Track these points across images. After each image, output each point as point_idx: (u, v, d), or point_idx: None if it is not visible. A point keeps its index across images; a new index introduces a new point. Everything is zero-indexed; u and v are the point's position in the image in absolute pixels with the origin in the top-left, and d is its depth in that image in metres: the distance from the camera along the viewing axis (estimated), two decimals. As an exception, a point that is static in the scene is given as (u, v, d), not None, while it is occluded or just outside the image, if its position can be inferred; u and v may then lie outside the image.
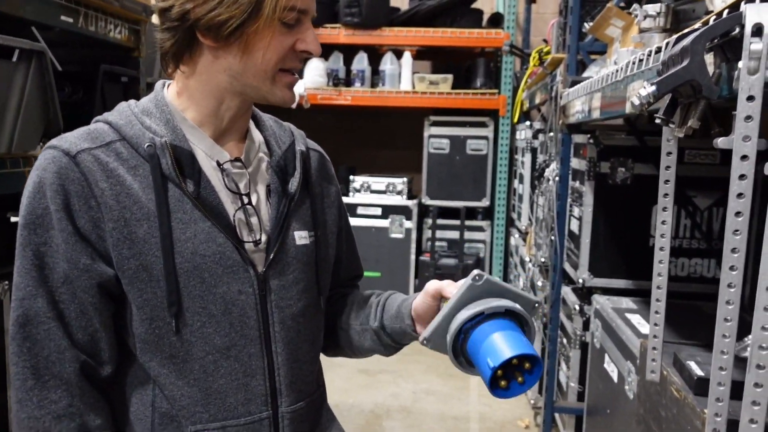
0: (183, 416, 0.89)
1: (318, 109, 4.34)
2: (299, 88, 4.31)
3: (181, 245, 0.87)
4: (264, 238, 0.94)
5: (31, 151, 1.91)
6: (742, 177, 0.72)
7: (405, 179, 4.51)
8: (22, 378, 0.84)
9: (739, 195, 0.73)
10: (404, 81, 4.44)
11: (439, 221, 4.45)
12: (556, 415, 2.68)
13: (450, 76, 4.34)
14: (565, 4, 2.55)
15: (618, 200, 2.38)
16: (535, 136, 3.48)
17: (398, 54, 4.52)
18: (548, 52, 2.95)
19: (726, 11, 0.83)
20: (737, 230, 0.85)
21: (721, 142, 0.74)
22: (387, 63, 4.47)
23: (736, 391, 1.30)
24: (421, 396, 3.27)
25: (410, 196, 4.56)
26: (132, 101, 0.96)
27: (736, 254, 0.86)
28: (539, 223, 2.99)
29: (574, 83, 2.21)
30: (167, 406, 0.89)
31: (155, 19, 3.34)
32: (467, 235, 4.41)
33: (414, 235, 4.40)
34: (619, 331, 1.96)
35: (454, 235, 4.43)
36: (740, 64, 0.71)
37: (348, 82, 4.51)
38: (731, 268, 0.89)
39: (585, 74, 2.34)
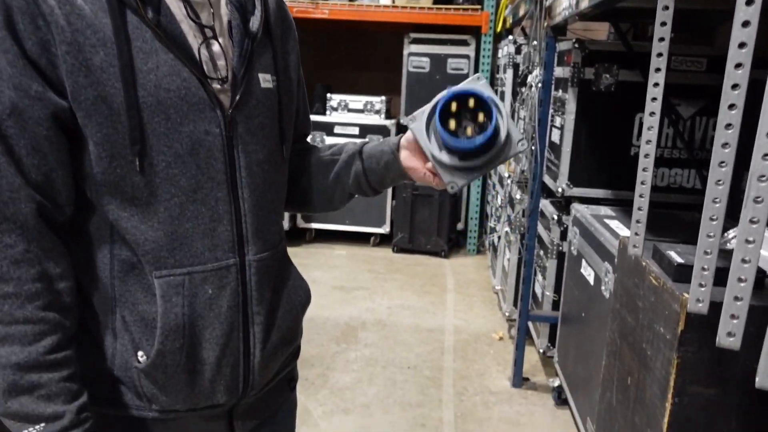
0: (147, 262, 0.83)
1: (294, 23, 4.17)
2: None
3: (143, 77, 0.79)
4: (230, 76, 0.87)
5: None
6: (745, 24, 0.66)
7: (383, 98, 4.41)
8: None
9: (741, 44, 0.67)
10: (384, -5, 4.28)
11: (418, 142, 4.37)
12: (530, 325, 2.70)
13: (431, -9, 4.19)
14: None
15: (601, 108, 2.33)
16: (517, 51, 3.39)
17: (378, -33, 4.34)
18: (535, -42, 2.83)
19: None
20: (730, 124, 0.78)
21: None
22: (366, -24, 4.30)
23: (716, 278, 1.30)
24: (396, 311, 3.28)
25: (388, 116, 4.47)
26: None
27: (727, 149, 0.81)
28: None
29: (561, -20, 2.12)
30: (128, 252, 0.83)
31: None
32: (446, 156, 4.35)
33: (392, 156, 4.32)
34: (597, 234, 1.94)
35: (433, 156, 4.37)
36: None
37: (325, -5, 4.34)
38: (720, 164, 0.83)
39: (573, -26, 2.24)
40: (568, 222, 2.32)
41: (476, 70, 4.30)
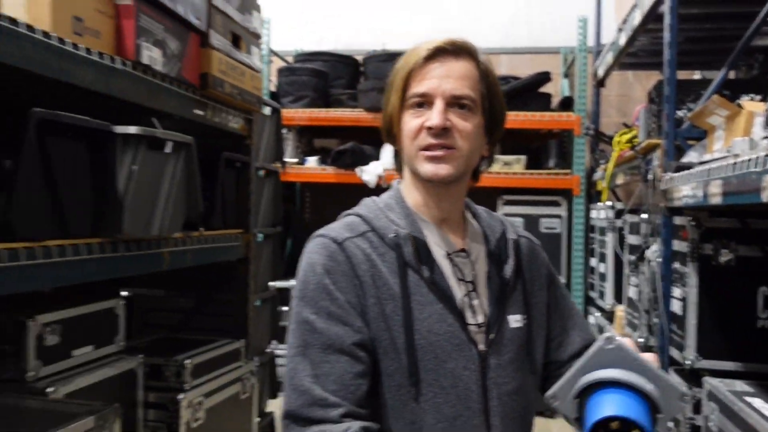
0: None
1: (394, 189, 4.47)
2: (378, 169, 4.48)
3: (419, 324, 0.98)
4: (484, 320, 1.03)
5: (174, 234, 2.05)
6: None
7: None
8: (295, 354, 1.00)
9: None
10: (477, 162, 4.57)
11: (514, 299, 4.46)
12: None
13: (523, 157, 4.46)
14: (657, 93, 2.66)
15: (723, 281, 2.40)
16: (617, 216, 3.54)
17: (470, 136, 4.67)
18: (635, 136, 3.05)
19: None
20: None
21: None
22: (460, 145, 4.62)
23: None
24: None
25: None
26: (374, 197, 1.10)
27: None
28: (633, 304, 3.00)
29: (679, 168, 2.28)
30: None
31: (266, 110, 3.53)
32: (543, 313, 4.41)
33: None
34: (743, 414, 1.95)
35: (530, 313, 4.44)
36: None
37: (423, 163, 4.65)
38: None
39: (684, 159, 2.42)
40: (701, 395, 2.33)
41: (569, 231, 4.46)
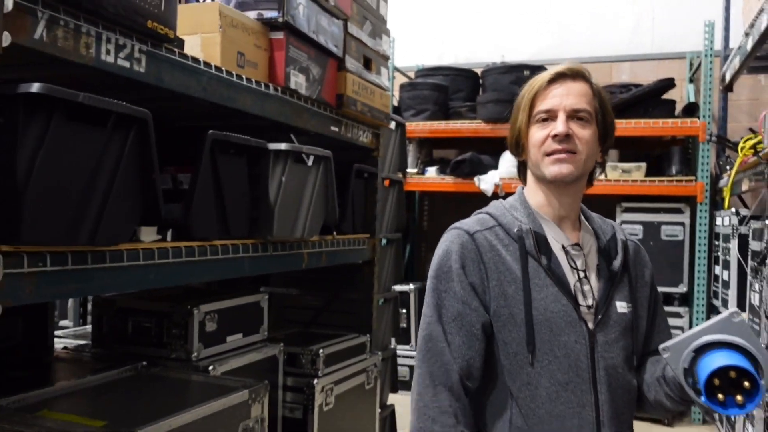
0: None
1: (512, 197, 4.58)
2: (494, 178, 4.62)
3: (537, 303, 1.18)
4: (593, 303, 1.20)
5: (313, 237, 2.32)
6: None
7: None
8: (422, 379, 1.20)
9: None
10: (596, 169, 4.58)
11: (633, 307, 4.43)
12: None
13: (643, 165, 4.43)
14: (781, 100, 2.64)
15: None
16: (741, 223, 3.47)
17: (589, 144, 4.68)
18: (760, 142, 3.02)
19: None
20: None
21: None
22: (578, 153, 4.65)
23: None
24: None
25: (602, 281, 4.60)
26: (501, 200, 1.33)
27: None
28: (755, 310, 2.96)
29: (800, 176, 2.28)
30: (521, 422, 1.17)
31: (392, 124, 3.77)
32: (664, 321, 4.36)
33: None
34: None
35: (650, 321, 4.39)
36: None
37: (540, 171, 4.73)
38: None
39: (808, 166, 2.40)
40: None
41: (692, 238, 4.38)
